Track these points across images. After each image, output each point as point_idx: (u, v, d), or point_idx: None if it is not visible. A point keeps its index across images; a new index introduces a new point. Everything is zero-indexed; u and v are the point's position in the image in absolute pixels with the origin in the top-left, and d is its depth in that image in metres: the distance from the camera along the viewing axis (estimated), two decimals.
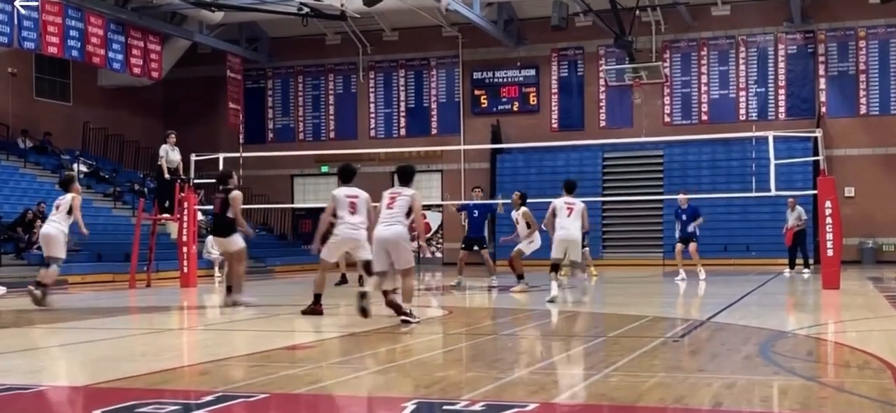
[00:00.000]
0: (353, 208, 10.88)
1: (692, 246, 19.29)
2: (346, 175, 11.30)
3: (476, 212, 18.13)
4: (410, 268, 10.55)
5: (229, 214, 12.72)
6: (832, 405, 5.45)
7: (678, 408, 5.35)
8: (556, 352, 8.43)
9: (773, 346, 8.01)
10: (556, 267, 13.58)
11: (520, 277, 15.97)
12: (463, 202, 20.10)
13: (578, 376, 6.50)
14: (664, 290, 17.64)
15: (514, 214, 16.69)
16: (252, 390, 6.01)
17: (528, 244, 16.27)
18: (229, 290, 12.86)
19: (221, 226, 12.90)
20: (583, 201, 14.01)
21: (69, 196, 13.59)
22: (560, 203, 13.68)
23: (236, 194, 12.84)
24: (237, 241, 12.82)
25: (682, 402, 5.50)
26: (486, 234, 18.92)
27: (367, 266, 10.73)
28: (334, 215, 10.98)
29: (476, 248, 17.96)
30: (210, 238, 24.97)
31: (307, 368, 7.18)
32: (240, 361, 7.68)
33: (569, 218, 13.41)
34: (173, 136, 20.88)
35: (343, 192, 11.04)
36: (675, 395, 5.71)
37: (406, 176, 10.90)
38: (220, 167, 19.63)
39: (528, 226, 16.33)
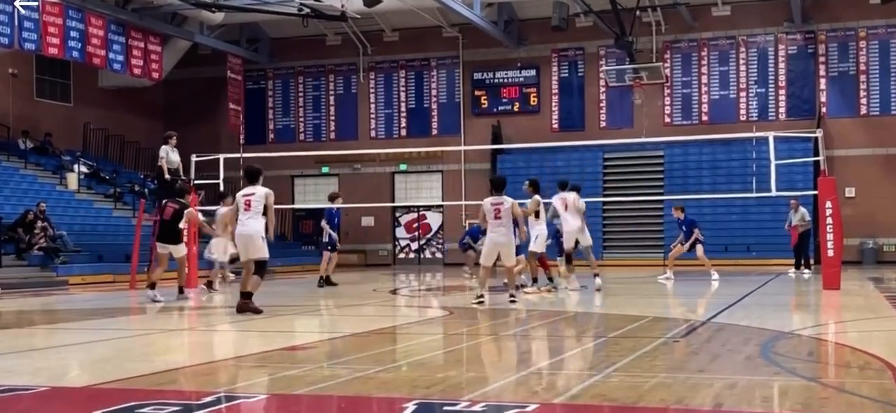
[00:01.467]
0: (248, 206, 11.65)
1: (699, 249, 19.24)
2: (250, 176, 12.01)
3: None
4: (513, 262, 13.18)
5: (181, 225, 14.54)
6: (833, 406, 5.45)
7: (679, 408, 5.34)
8: (557, 352, 8.42)
9: (774, 346, 8.00)
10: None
11: (534, 280, 15.66)
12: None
13: (579, 377, 6.50)
14: (665, 290, 17.63)
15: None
16: (252, 391, 6.01)
17: (535, 240, 15.56)
18: (181, 290, 14.85)
19: (171, 233, 14.66)
20: (584, 201, 14.63)
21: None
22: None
23: (192, 211, 14.84)
24: (183, 249, 14.95)
25: (683, 402, 5.49)
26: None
27: (259, 266, 11.59)
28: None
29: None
30: (214, 240, 25.01)
31: (307, 369, 7.18)
32: (240, 362, 7.68)
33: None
34: (174, 137, 20.84)
35: (241, 193, 11.92)
36: (675, 395, 5.71)
37: (499, 185, 12.99)
38: (221, 169, 19.70)
39: (537, 216, 15.99)
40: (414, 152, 31.61)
